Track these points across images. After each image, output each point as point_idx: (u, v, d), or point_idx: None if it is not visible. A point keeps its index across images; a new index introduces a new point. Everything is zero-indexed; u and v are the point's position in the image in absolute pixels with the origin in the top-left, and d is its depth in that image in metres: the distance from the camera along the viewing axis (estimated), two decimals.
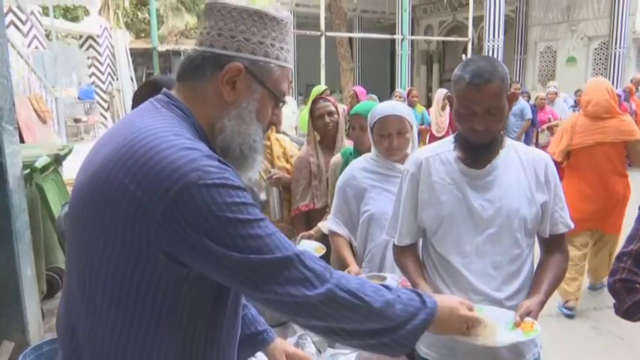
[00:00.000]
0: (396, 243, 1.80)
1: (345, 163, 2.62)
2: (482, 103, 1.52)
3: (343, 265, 2.23)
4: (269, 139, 3.04)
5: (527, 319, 1.46)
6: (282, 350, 1.37)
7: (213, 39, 1.03)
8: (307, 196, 2.91)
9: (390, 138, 2.19)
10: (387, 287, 1.08)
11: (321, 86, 6.40)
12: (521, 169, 1.67)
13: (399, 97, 7.59)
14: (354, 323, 1.02)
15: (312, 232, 2.69)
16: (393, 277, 2.02)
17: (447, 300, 1.21)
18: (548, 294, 1.60)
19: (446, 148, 1.72)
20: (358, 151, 2.61)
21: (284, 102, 1.14)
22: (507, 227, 1.62)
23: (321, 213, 2.86)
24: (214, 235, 0.91)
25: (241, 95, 1.04)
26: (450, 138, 1.77)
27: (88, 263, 0.98)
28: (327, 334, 1.07)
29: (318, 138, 3.02)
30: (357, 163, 2.36)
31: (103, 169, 0.95)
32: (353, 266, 2.17)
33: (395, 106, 2.30)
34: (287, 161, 3.08)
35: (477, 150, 1.63)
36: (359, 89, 6.97)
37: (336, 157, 2.81)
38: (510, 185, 1.64)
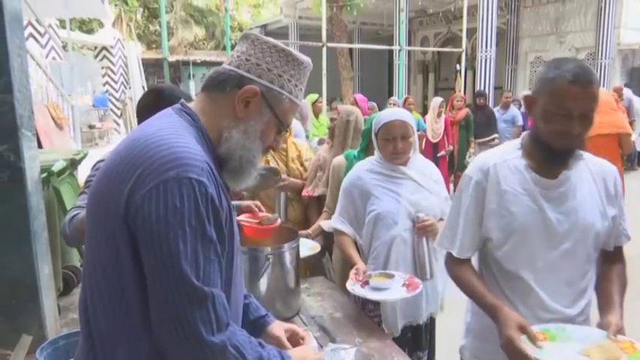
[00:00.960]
0: (455, 255, 1.60)
1: (350, 165, 2.65)
2: (583, 105, 1.36)
3: (349, 263, 2.22)
4: (285, 142, 3.09)
5: (622, 337, 1.34)
6: (280, 327, 1.40)
7: (240, 62, 1.12)
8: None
9: (394, 142, 2.18)
10: (260, 343, 1.10)
11: (314, 95, 6.41)
12: (591, 180, 1.53)
13: (394, 104, 7.56)
14: None
15: (309, 231, 2.72)
16: (400, 275, 2.02)
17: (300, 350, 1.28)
18: (622, 306, 1.48)
19: (512, 154, 1.55)
20: (364, 154, 2.64)
21: (286, 131, 1.21)
22: (582, 242, 1.49)
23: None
24: (164, 225, 0.94)
25: (251, 114, 1.11)
26: (515, 143, 1.59)
27: (95, 256, 1.03)
28: None
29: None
30: (362, 166, 2.35)
31: (111, 166, 1.03)
32: (359, 264, 2.13)
33: (398, 112, 2.30)
34: (301, 164, 3.11)
35: (557, 156, 1.45)
36: (359, 97, 6.97)
37: (339, 159, 2.82)
38: (584, 197, 1.49)
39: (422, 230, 2.15)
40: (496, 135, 7.79)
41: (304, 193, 3.04)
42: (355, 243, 2.31)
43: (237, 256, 1.17)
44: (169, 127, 1.04)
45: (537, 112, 1.44)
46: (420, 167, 2.31)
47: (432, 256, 2.20)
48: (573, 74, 1.35)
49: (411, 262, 2.19)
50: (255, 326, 1.38)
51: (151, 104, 1.83)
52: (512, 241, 1.50)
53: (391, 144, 2.20)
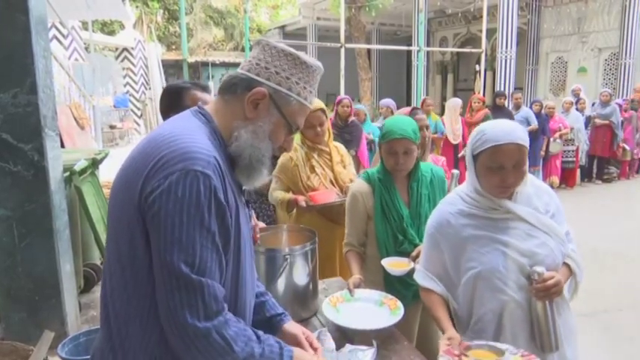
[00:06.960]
0: None
1: (379, 190, 2.21)
2: None
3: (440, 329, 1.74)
4: (327, 145, 3.04)
5: None
6: (298, 327, 1.43)
7: (251, 66, 1.19)
8: None
9: (503, 173, 1.59)
10: (258, 337, 1.14)
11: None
12: None
13: (430, 105, 7.44)
14: None
15: (354, 284, 2.03)
16: (511, 350, 1.52)
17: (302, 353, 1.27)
18: None
19: None
20: (389, 176, 2.22)
21: (296, 131, 1.24)
22: None
23: None
24: (164, 213, 1.00)
25: (260, 115, 1.17)
26: None
27: (113, 240, 1.11)
28: None
29: None
30: (448, 206, 1.76)
31: (130, 161, 1.11)
32: (450, 331, 1.63)
33: (513, 130, 1.59)
34: (344, 167, 3.07)
35: None
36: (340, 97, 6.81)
37: (360, 185, 2.28)
38: None
39: (542, 292, 1.58)
40: None
41: None
42: (447, 303, 1.79)
43: (245, 255, 1.20)
44: (183, 127, 1.12)
45: None
46: (531, 198, 1.70)
47: (557, 322, 1.63)
48: None
49: (530, 330, 1.66)
50: (271, 324, 1.42)
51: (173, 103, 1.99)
52: None
53: (498, 176, 1.60)
